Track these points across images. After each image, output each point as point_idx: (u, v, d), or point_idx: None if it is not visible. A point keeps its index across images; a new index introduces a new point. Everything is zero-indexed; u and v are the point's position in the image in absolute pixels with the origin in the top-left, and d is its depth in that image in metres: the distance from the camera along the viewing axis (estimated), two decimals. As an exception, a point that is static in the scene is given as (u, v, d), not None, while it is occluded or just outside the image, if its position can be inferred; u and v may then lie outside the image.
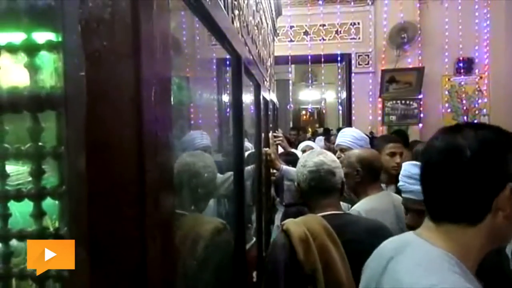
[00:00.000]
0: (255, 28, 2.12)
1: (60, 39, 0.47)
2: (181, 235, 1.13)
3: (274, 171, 2.64)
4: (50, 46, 0.48)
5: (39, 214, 0.51)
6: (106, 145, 0.43)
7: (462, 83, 5.58)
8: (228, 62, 1.38)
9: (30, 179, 0.50)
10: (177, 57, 0.90)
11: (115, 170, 0.43)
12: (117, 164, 0.43)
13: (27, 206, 0.53)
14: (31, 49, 0.49)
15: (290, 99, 8.30)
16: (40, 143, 0.51)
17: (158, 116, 0.46)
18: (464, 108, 5.59)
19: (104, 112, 0.43)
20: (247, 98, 1.98)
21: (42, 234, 0.51)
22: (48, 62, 0.49)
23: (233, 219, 1.35)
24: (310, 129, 9.55)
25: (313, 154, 1.56)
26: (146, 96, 0.43)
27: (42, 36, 0.49)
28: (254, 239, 1.99)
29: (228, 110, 1.57)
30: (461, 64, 5.54)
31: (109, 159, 0.43)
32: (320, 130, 8.32)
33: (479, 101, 5.55)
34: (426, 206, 0.81)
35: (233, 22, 1.35)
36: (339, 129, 4.18)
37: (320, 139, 5.15)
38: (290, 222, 1.31)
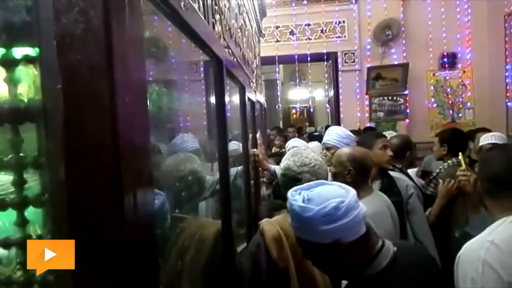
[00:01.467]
0: (239, 30, 2.15)
1: (37, 54, 0.49)
2: (187, 236, 1.16)
3: (265, 172, 2.66)
4: (28, 61, 0.50)
5: (22, 222, 0.53)
6: (84, 154, 0.46)
7: (447, 77, 5.67)
8: (210, 66, 1.40)
9: (12, 189, 0.52)
10: (157, 63, 0.92)
11: (93, 176, 0.46)
12: (95, 171, 0.46)
13: (13, 215, 0.55)
14: (9, 64, 0.51)
15: (279, 99, 8.33)
16: (21, 154, 0.53)
17: (133, 123, 0.48)
18: (450, 102, 5.68)
19: (81, 123, 0.46)
20: (232, 100, 2.01)
21: (26, 241, 0.53)
22: (26, 76, 0.51)
23: (221, 220, 1.37)
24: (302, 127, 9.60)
25: (288, 155, 1.54)
26: (120, 106, 0.46)
27: (19, 51, 0.51)
28: (245, 244, 2.01)
29: (212, 113, 1.58)
30: (445, 59, 5.63)
31: (87, 166, 0.46)
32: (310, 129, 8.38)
33: (463, 95, 5.65)
34: None
35: (214, 27, 1.37)
36: (327, 127, 4.22)
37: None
38: (266, 222, 1.34)
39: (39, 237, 0.52)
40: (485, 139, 2.88)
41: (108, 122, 0.45)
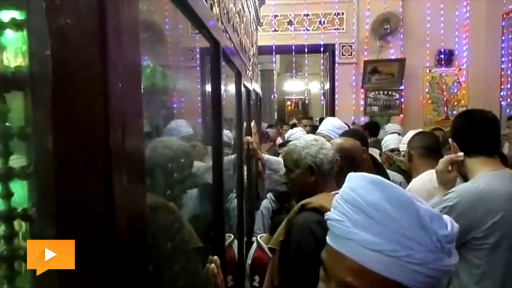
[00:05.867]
0: (237, 15, 2.11)
1: (24, 17, 0.46)
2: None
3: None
4: (15, 25, 0.48)
5: (7, 194, 0.51)
6: (72, 124, 0.44)
7: (443, 74, 5.68)
8: (207, 50, 1.37)
9: None
10: (150, 41, 0.90)
11: (82, 148, 0.44)
12: (84, 142, 0.44)
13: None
14: (-5, 28, 0.49)
15: (275, 89, 8.29)
16: (7, 124, 0.51)
17: (126, 93, 0.46)
18: (444, 99, 5.70)
19: (70, 91, 0.43)
20: (228, 86, 1.98)
21: (10, 214, 0.51)
22: (14, 41, 0.49)
23: (211, 209, 1.35)
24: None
25: (318, 139, 1.60)
26: (113, 73, 0.43)
27: (6, 15, 0.48)
28: (232, 236, 1.97)
29: (207, 98, 1.55)
30: (442, 56, 5.63)
31: (76, 137, 0.44)
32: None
33: (458, 92, 5.67)
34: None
35: (212, 9, 1.34)
36: (321, 120, 4.20)
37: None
38: (316, 199, 1.30)
39: (24, 210, 0.50)
40: None
41: (99, 90, 0.43)
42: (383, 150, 3.26)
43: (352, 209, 0.61)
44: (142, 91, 0.54)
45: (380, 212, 0.58)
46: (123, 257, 0.45)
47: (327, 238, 0.67)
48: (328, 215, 0.67)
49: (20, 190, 0.52)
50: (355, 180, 0.65)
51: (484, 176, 1.47)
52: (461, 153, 1.56)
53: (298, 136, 3.25)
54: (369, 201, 0.59)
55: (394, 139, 3.30)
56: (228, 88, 2.03)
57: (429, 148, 1.95)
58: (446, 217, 0.60)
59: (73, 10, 0.42)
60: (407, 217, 0.57)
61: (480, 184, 1.44)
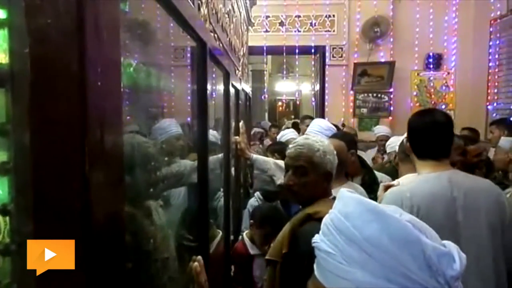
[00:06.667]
0: (226, 16, 2.13)
1: (5, 15, 0.47)
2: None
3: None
4: (-4, 23, 0.48)
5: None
6: (50, 121, 0.45)
7: (431, 78, 5.77)
8: (193, 49, 1.38)
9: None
10: (133, 40, 0.91)
11: (59, 145, 0.45)
12: (61, 139, 0.45)
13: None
14: (-24, 25, 0.49)
15: (266, 90, 8.32)
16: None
17: (104, 93, 0.47)
18: (432, 102, 5.78)
19: (48, 88, 0.44)
20: (216, 86, 1.99)
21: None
22: (-6, 38, 0.49)
23: (196, 210, 1.36)
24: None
25: (325, 143, 1.56)
26: (91, 72, 0.45)
27: (-12, 13, 0.49)
28: (220, 232, 1.98)
29: (193, 97, 1.56)
30: (430, 60, 5.72)
31: (53, 134, 0.45)
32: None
33: (446, 96, 5.76)
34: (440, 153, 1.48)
35: (199, 9, 1.35)
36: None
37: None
38: (323, 209, 1.21)
39: (3, 205, 0.51)
40: None
41: (77, 89, 0.44)
42: (388, 151, 3.27)
43: (346, 242, 0.53)
44: (125, 89, 0.55)
45: (379, 248, 0.50)
46: (100, 252, 0.46)
47: (315, 267, 0.58)
48: (316, 242, 0.58)
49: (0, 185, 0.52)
50: (349, 204, 0.56)
51: (415, 178, 1.49)
52: (397, 181, 1.63)
53: (290, 137, 3.25)
54: (367, 235, 0.51)
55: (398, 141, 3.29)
56: (216, 88, 2.04)
57: (405, 153, 1.98)
58: (453, 249, 0.52)
59: (53, 9, 0.43)
60: (411, 256, 0.49)
61: (407, 188, 1.44)
